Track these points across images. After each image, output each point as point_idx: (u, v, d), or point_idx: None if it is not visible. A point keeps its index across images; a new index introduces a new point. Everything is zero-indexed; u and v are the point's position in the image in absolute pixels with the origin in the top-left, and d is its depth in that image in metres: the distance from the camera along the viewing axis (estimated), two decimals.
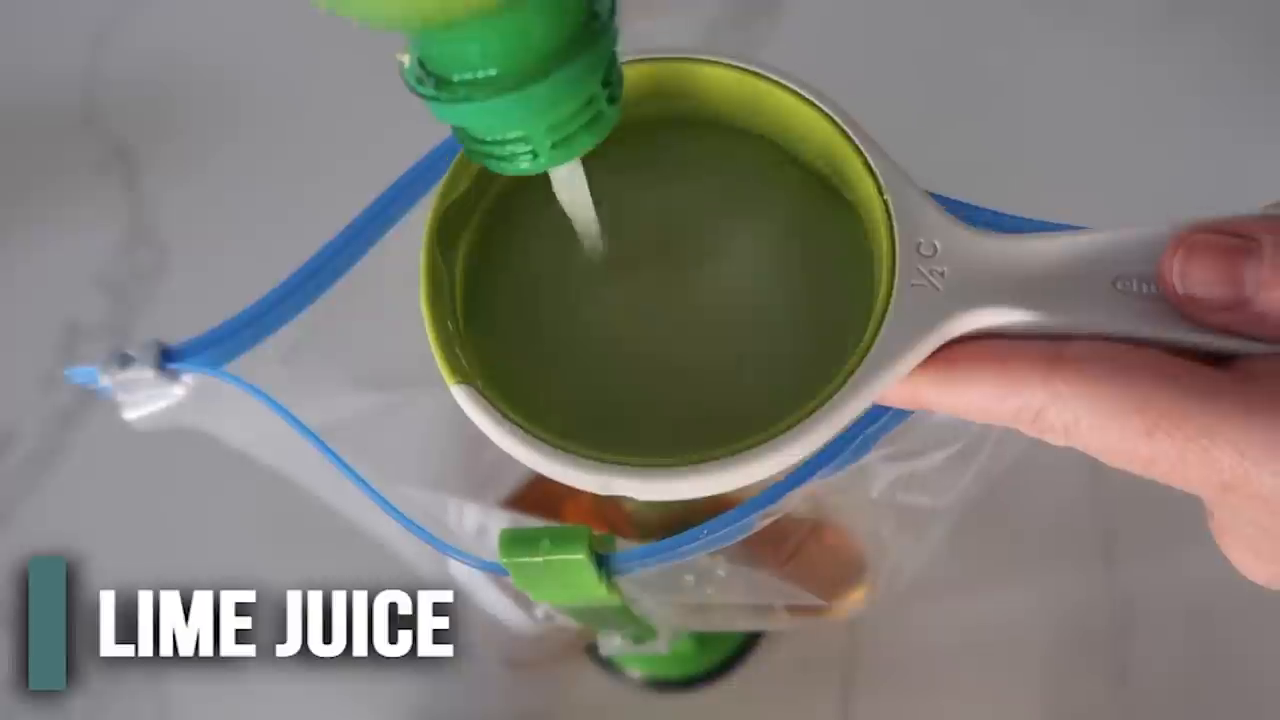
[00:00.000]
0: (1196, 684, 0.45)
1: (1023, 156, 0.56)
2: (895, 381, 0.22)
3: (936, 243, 0.22)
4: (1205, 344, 0.21)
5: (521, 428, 0.23)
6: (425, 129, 0.30)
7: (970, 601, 0.46)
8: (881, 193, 0.23)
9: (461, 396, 0.23)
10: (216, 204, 0.59)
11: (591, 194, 0.24)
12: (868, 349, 0.22)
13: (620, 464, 0.22)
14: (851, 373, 0.22)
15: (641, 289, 0.25)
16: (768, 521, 0.27)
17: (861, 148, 0.24)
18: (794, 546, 0.36)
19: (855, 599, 0.42)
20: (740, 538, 0.27)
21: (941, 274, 0.22)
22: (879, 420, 0.26)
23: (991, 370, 0.21)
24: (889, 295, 0.22)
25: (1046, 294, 0.21)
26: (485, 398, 0.23)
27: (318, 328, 0.30)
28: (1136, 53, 0.59)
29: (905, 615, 0.45)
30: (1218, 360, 0.21)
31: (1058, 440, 0.21)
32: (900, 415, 0.26)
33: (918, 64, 0.59)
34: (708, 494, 0.22)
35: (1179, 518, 0.48)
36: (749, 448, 0.22)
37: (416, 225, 0.31)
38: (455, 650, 0.46)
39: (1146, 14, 0.60)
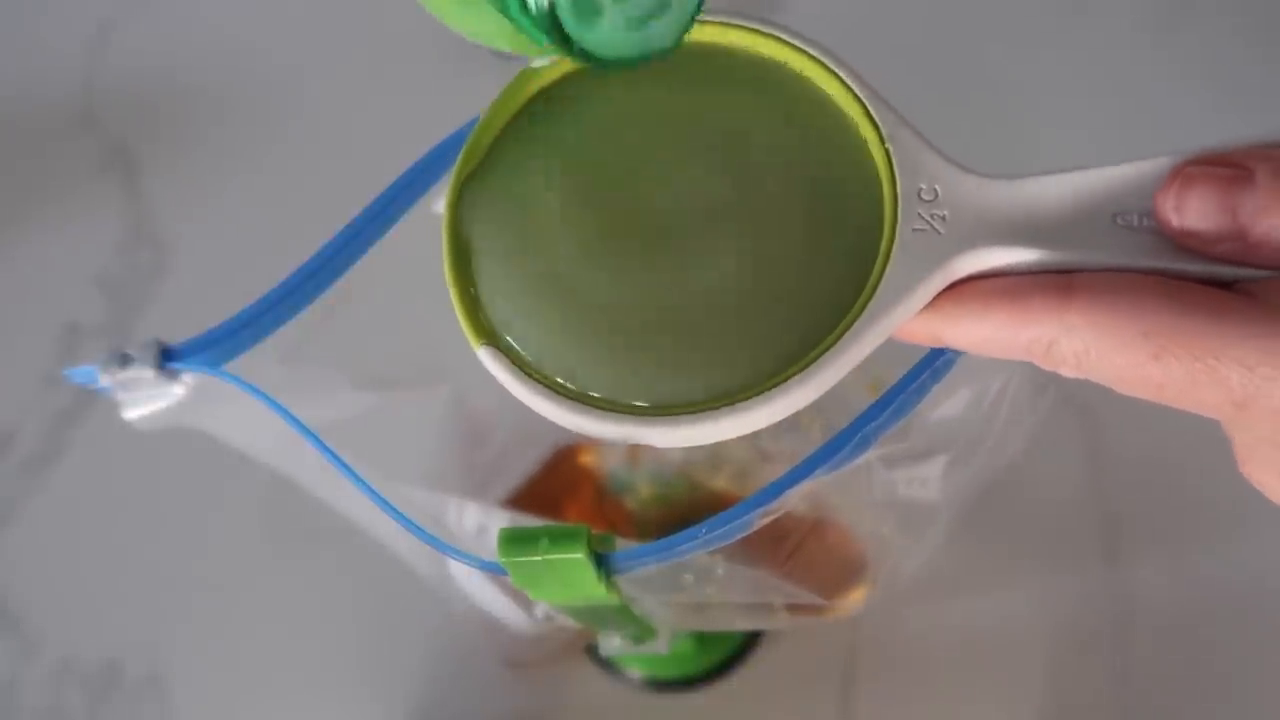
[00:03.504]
0: (1196, 684, 0.44)
1: (1023, 155, 0.56)
2: (900, 322, 0.23)
3: (937, 187, 0.23)
4: (1206, 273, 0.21)
5: (545, 384, 0.24)
6: (426, 129, 0.30)
7: (970, 601, 0.46)
8: (883, 140, 0.24)
9: (486, 358, 0.24)
10: (216, 204, 0.59)
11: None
12: (872, 293, 0.23)
13: (642, 413, 0.23)
14: (857, 316, 0.23)
15: (650, 243, 0.25)
16: (767, 520, 0.27)
17: (861, 96, 0.25)
18: (793, 545, 0.36)
19: (855, 598, 0.42)
20: (739, 536, 0.27)
21: (943, 218, 0.23)
22: (878, 418, 0.26)
23: (1003, 305, 0.22)
24: (891, 239, 0.23)
25: (1048, 232, 0.22)
26: (508, 357, 0.24)
27: (317, 328, 0.30)
28: (1139, 50, 0.59)
29: (905, 615, 0.45)
30: (1221, 285, 0.21)
31: (1069, 371, 0.21)
32: (899, 413, 0.26)
33: (918, 62, 0.59)
34: (725, 438, 0.24)
35: (1180, 518, 0.48)
36: (760, 392, 0.23)
37: (417, 225, 0.31)
38: (455, 650, 0.46)
39: (1149, 10, 0.60)
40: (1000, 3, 0.61)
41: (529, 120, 0.27)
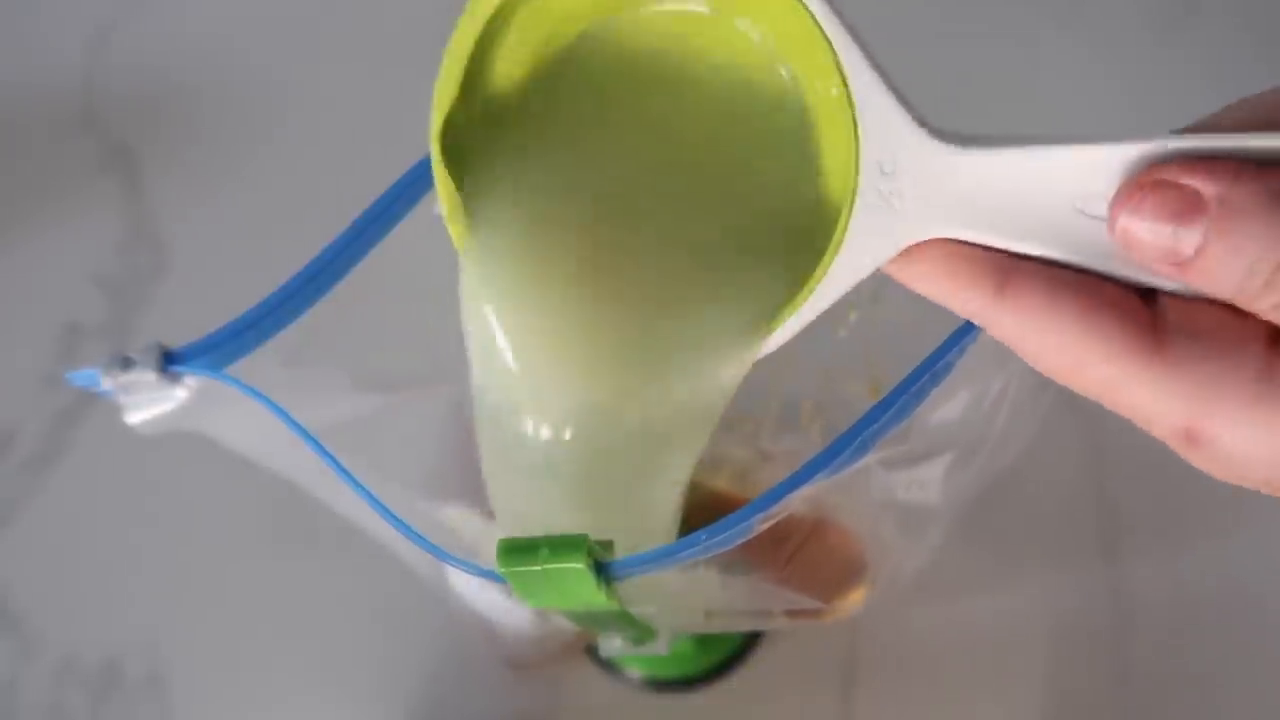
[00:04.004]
0: (1196, 684, 0.45)
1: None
2: (845, 290, 0.23)
3: (899, 157, 0.22)
4: (1154, 284, 0.21)
5: None
6: (426, 130, 0.30)
7: (970, 601, 0.46)
8: (850, 105, 0.22)
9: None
10: (217, 205, 0.59)
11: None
12: (825, 269, 0.23)
13: None
14: (808, 293, 0.23)
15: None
16: (767, 525, 0.27)
17: (834, 44, 0.22)
18: (794, 548, 0.36)
19: (855, 599, 0.42)
20: (740, 541, 0.27)
21: (900, 194, 0.22)
22: (877, 421, 0.26)
23: (943, 280, 0.22)
24: (848, 216, 0.22)
25: (1004, 217, 0.21)
26: None
27: (319, 331, 0.30)
28: (1142, 52, 0.59)
29: (905, 615, 0.45)
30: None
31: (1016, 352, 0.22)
32: (899, 416, 0.26)
33: (915, 63, 0.59)
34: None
35: (1180, 517, 0.48)
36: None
37: (418, 227, 0.31)
38: (455, 651, 0.46)
39: (1152, 13, 0.60)
40: (1001, 2, 0.61)
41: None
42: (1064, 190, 0.21)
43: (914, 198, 0.22)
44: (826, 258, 0.23)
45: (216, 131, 0.62)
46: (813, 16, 0.22)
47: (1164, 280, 0.20)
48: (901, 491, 0.33)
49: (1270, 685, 0.44)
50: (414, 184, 0.30)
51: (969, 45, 0.60)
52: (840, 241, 0.22)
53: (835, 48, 0.22)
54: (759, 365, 0.25)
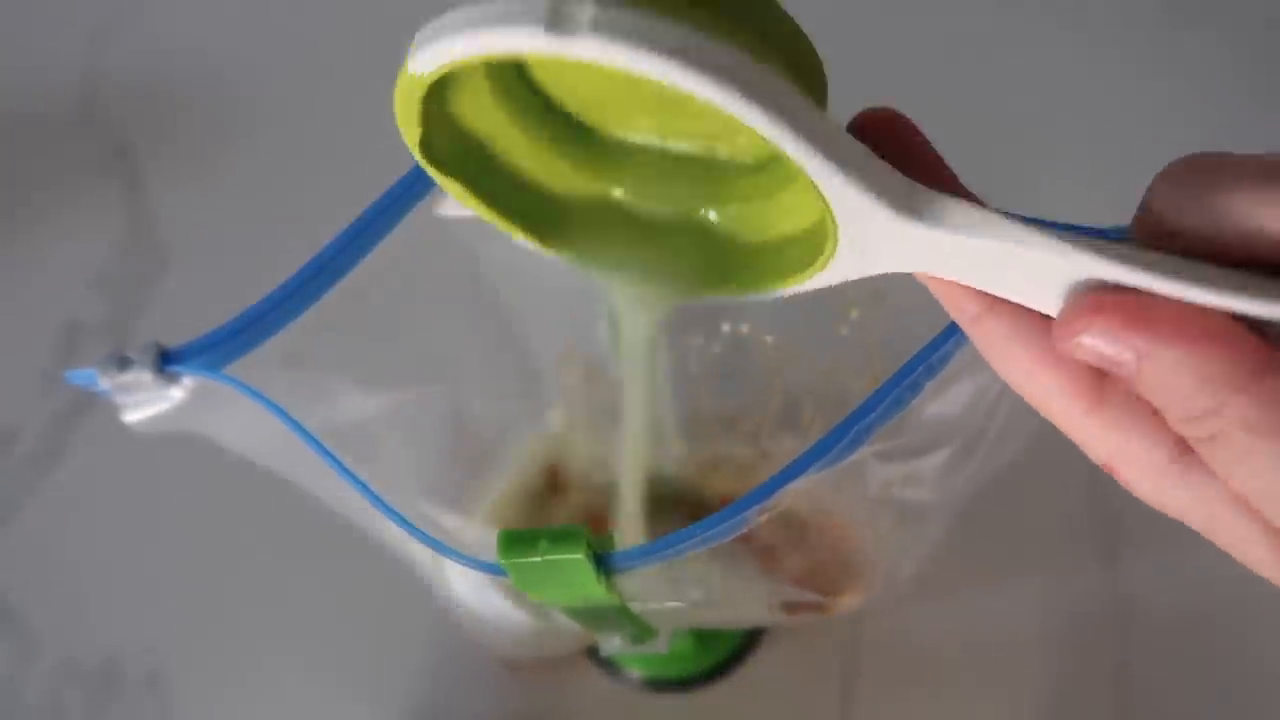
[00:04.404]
0: (1196, 684, 0.45)
1: (1017, 159, 0.56)
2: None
3: (869, 231, 0.21)
4: None
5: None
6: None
7: (970, 601, 0.46)
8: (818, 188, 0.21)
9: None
10: (217, 204, 0.59)
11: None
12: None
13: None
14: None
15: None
16: (764, 518, 0.27)
17: (796, 158, 0.20)
18: (791, 543, 0.36)
19: (854, 596, 0.42)
20: (737, 534, 0.27)
21: (873, 246, 0.22)
22: (872, 412, 0.26)
23: (935, 285, 0.23)
24: (829, 254, 0.23)
25: (974, 271, 0.21)
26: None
27: (318, 330, 0.30)
28: (1133, 55, 0.59)
29: (905, 615, 0.45)
30: None
31: None
32: (895, 408, 0.26)
33: (912, 65, 0.59)
34: None
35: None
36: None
37: (418, 227, 0.31)
38: (454, 651, 0.46)
39: (1144, 17, 0.60)
40: (997, 6, 0.62)
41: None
42: (1029, 271, 0.21)
43: (886, 251, 0.22)
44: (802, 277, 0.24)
45: (216, 131, 0.62)
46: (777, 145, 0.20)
47: None
48: (899, 486, 0.33)
49: (1270, 685, 0.44)
50: (414, 184, 0.30)
51: (971, 45, 0.60)
52: (821, 264, 0.23)
53: (798, 160, 0.20)
54: (759, 365, 0.25)
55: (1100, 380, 0.21)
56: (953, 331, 0.26)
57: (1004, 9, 0.61)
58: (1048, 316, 0.21)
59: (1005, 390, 0.31)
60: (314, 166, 0.58)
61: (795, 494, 0.27)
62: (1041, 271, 0.20)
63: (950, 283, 0.22)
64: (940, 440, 0.32)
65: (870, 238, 0.21)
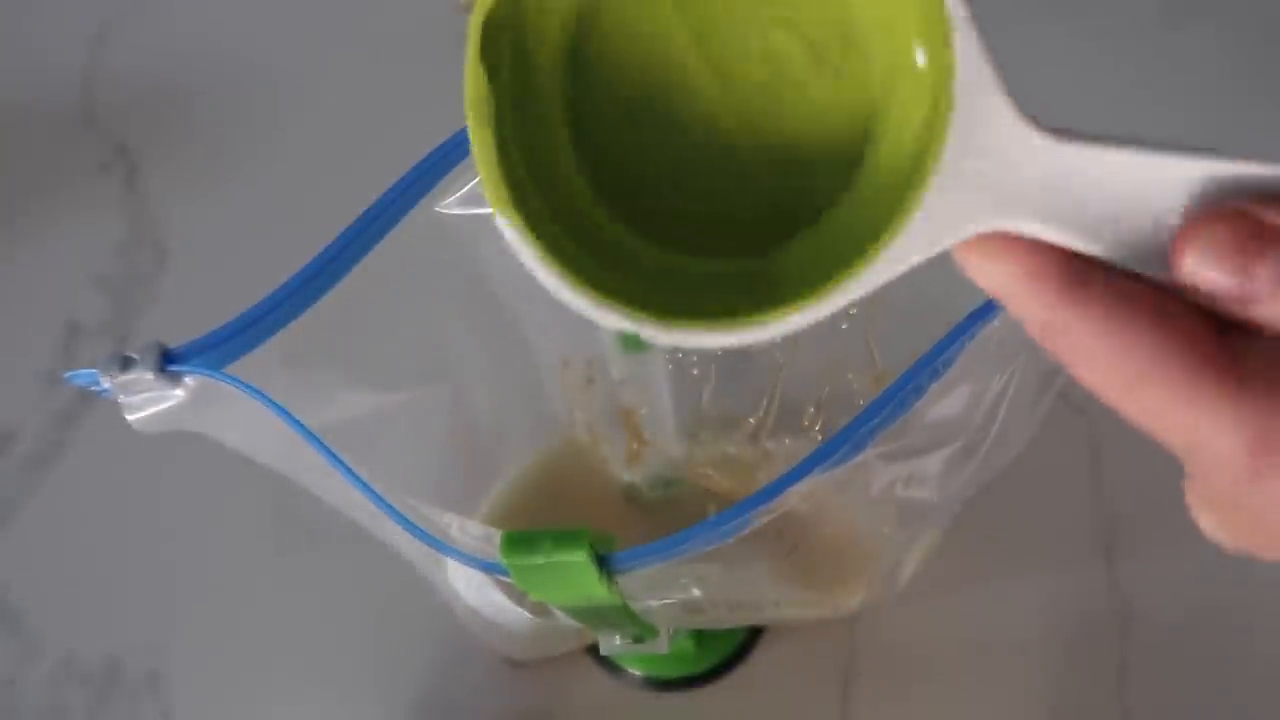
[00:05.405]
0: (1196, 684, 0.45)
1: None
2: (905, 269, 0.21)
3: (992, 141, 0.20)
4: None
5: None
6: (428, 131, 0.30)
7: (970, 601, 0.46)
8: (947, 78, 0.20)
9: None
10: (217, 204, 0.59)
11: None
12: (890, 238, 0.21)
13: (644, 313, 0.21)
14: (867, 264, 0.21)
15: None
16: (766, 519, 0.27)
17: (951, 16, 0.20)
18: (792, 544, 0.36)
19: (854, 597, 0.42)
20: (739, 535, 0.27)
21: (985, 176, 0.20)
22: (876, 416, 0.26)
23: (1007, 274, 0.20)
24: (919, 191, 0.20)
25: (1086, 217, 0.20)
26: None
27: (319, 330, 0.30)
28: (1131, 53, 0.59)
29: (905, 615, 0.45)
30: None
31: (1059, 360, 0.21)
32: (898, 411, 0.26)
33: None
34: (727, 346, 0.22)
35: (1179, 518, 0.48)
36: (761, 316, 0.21)
37: (419, 227, 0.31)
38: (455, 649, 0.46)
39: (1142, 15, 0.60)
40: (995, 6, 0.61)
41: None
42: (1150, 199, 0.19)
43: (998, 183, 0.20)
44: (888, 233, 0.21)
45: (216, 131, 0.62)
46: None
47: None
48: (900, 486, 0.33)
49: (1270, 685, 0.44)
50: (414, 184, 0.30)
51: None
52: (908, 214, 0.20)
53: (952, 20, 0.20)
54: (759, 365, 0.25)
55: (1219, 351, 0.19)
56: (957, 334, 0.26)
57: (1001, 8, 0.61)
58: (1148, 290, 0.19)
59: (1006, 392, 0.31)
60: (314, 166, 0.58)
61: (797, 495, 0.27)
62: (1163, 200, 0.19)
63: (1033, 260, 0.20)
64: (942, 440, 0.32)
65: (988, 166, 0.20)
